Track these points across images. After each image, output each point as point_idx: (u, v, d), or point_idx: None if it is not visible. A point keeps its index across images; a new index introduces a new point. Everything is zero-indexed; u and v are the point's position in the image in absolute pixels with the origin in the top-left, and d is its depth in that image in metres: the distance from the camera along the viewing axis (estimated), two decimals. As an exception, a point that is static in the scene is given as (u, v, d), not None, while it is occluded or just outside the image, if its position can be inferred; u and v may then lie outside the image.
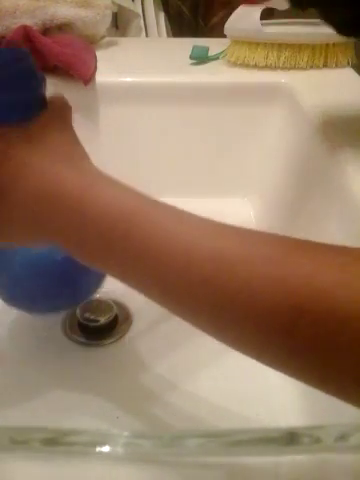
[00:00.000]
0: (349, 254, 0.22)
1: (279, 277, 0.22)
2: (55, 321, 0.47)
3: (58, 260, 0.40)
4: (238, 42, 0.65)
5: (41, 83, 0.33)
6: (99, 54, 0.61)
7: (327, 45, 0.63)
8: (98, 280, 0.42)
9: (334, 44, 0.63)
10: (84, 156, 0.32)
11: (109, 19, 0.72)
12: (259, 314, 0.22)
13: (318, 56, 0.63)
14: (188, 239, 0.25)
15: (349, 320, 0.20)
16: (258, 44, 0.63)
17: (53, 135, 0.30)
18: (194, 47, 0.67)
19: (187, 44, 0.69)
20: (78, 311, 0.46)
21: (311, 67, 0.64)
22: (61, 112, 0.34)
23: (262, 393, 0.40)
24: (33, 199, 0.27)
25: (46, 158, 0.28)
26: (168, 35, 1.13)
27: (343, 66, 0.64)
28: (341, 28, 0.44)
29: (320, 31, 0.60)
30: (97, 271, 0.35)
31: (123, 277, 0.26)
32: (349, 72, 0.64)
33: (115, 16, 1.01)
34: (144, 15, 1.09)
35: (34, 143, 0.29)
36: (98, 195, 0.27)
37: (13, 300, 0.42)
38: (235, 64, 0.65)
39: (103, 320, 0.46)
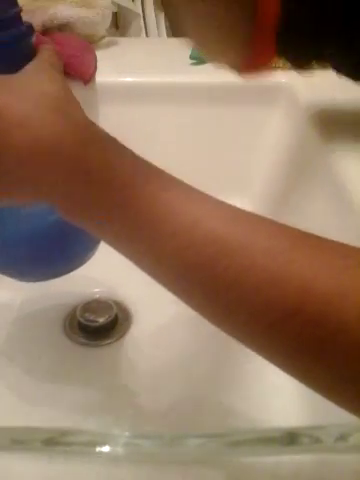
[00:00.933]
0: (353, 257, 0.22)
1: (278, 273, 0.21)
2: (55, 321, 0.47)
3: (50, 221, 0.37)
4: (238, 42, 0.65)
5: (27, 33, 0.32)
6: (99, 54, 0.61)
7: (327, 45, 0.63)
8: (92, 245, 0.40)
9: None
10: (78, 107, 0.29)
11: (109, 19, 0.72)
12: (252, 306, 0.22)
13: (318, 56, 0.63)
14: (190, 218, 0.24)
15: (340, 331, 0.20)
16: (258, 44, 0.63)
17: (41, 85, 0.27)
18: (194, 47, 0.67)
19: (187, 44, 0.69)
20: (78, 311, 0.46)
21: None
22: (49, 62, 0.31)
23: (262, 393, 0.40)
24: (25, 152, 0.24)
25: (29, 103, 0.25)
26: (168, 35, 1.13)
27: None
28: (354, 75, 0.45)
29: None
30: (91, 236, 0.32)
31: (116, 245, 0.25)
32: (349, 72, 0.64)
33: (115, 16, 1.01)
34: (144, 15, 1.09)
35: (16, 92, 0.26)
36: (95, 156, 0.25)
37: (3, 265, 0.40)
38: (235, 64, 0.65)
39: (103, 320, 0.46)
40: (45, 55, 0.32)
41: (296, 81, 0.61)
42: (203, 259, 0.23)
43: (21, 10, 0.32)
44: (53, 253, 0.39)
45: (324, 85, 0.61)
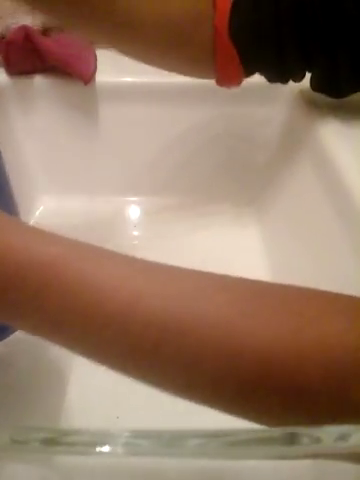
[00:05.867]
0: (306, 314, 0.21)
1: (234, 348, 0.20)
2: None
3: None
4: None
5: None
6: (99, 54, 0.61)
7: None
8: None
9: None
10: None
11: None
12: (213, 382, 0.21)
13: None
14: (126, 300, 0.22)
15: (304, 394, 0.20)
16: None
17: None
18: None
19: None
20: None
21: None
22: None
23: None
24: None
25: None
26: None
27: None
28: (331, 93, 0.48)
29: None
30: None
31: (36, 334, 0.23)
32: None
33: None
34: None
35: None
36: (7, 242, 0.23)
37: None
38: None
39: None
40: None
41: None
42: (147, 345, 0.21)
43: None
44: None
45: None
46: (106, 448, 0.14)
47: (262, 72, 0.48)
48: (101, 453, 0.14)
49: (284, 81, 0.48)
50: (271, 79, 0.48)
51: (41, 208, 0.68)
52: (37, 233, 0.24)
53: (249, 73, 0.47)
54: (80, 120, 0.65)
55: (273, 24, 0.43)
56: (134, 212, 0.69)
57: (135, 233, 0.65)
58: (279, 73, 0.47)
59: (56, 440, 0.15)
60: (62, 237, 0.24)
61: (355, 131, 0.48)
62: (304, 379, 0.20)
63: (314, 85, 0.49)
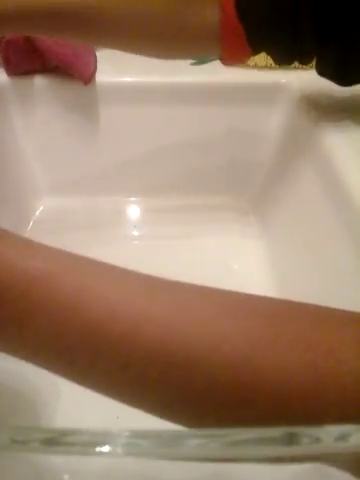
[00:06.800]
0: (285, 334, 0.21)
1: (244, 385, 0.20)
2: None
3: None
4: (238, 42, 0.65)
5: None
6: (99, 54, 0.61)
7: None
8: None
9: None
10: None
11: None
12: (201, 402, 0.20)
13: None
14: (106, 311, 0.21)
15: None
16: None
17: None
18: (194, 47, 0.67)
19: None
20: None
21: (311, 67, 0.64)
22: None
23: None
24: None
25: None
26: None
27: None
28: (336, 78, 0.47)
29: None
30: None
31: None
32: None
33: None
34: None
35: None
36: None
37: None
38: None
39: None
40: None
41: (296, 81, 0.61)
42: (147, 381, 0.21)
43: None
44: None
45: (324, 85, 0.61)
46: (106, 448, 0.14)
47: (270, 51, 0.47)
48: (101, 453, 0.14)
49: (291, 61, 0.47)
50: (278, 59, 0.48)
51: (41, 208, 0.68)
52: (26, 246, 0.23)
53: (256, 51, 0.46)
54: (80, 120, 0.65)
55: (291, 1, 0.42)
56: (134, 212, 0.69)
57: (135, 233, 0.65)
58: (289, 52, 0.46)
59: (56, 440, 0.15)
60: (47, 249, 0.23)
61: (356, 131, 0.48)
62: (321, 407, 0.19)
63: (321, 69, 0.48)
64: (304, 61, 0.47)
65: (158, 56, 0.48)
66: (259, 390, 0.20)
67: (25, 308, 0.21)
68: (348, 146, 0.46)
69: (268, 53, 0.47)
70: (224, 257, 0.60)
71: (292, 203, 0.58)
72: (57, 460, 0.34)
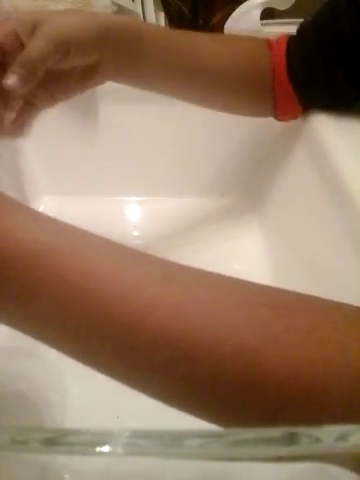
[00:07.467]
0: (330, 342, 0.20)
1: (251, 379, 0.20)
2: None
3: None
4: (238, 42, 0.65)
5: None
6: (99, 54, 0.61)
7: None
8: None
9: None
10: None
11: (109, 19, 0.72)
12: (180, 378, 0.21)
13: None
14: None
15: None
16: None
17: None
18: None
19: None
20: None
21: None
22: None
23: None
24: None
25: None
26: (168, 35, 1.12)
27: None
28: None
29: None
30: None
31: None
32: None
33: (115, 16, 1.00)
34: (144, 15, 1.09)
35: None
36: None
37: None
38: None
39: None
40: None
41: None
42: (156, 365, 0.21)
43: None
44: None
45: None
46: (106, 448, 0.14)
47: (318, 105, 0.51)
48: (101, 453, 0.14)
49: (342, 108, 0.50)
50: (328, 109, 0.51)
51: (41, 208, 0.68)
52: (44, 221, 0.23)
53: (306, 107, 0.51)
54: (80, 120, 0.65)
55: (321, 62, 0.46)
56: (134, 212, 0.69)
57: (135, 233, 0.65)
58: (334, 104, 0.50)
59: (56, 440, 0.15)
60: (57, 224, 0.24)
61: (354, 128, 0.48)
62: (326, 402, 0.19)
63: None
64: (352, 105, 0.50)
65: (224, 107, 0.53)
66: (266, 383, 0.20)
67: (29, 283, 0.21)
68: (349, 146, 0.46)
69: (317, 107, 0.51)
70: (225, 257, 0.60)
71: (293, 203, 0.58)
72: (58, 460, 0.34)
